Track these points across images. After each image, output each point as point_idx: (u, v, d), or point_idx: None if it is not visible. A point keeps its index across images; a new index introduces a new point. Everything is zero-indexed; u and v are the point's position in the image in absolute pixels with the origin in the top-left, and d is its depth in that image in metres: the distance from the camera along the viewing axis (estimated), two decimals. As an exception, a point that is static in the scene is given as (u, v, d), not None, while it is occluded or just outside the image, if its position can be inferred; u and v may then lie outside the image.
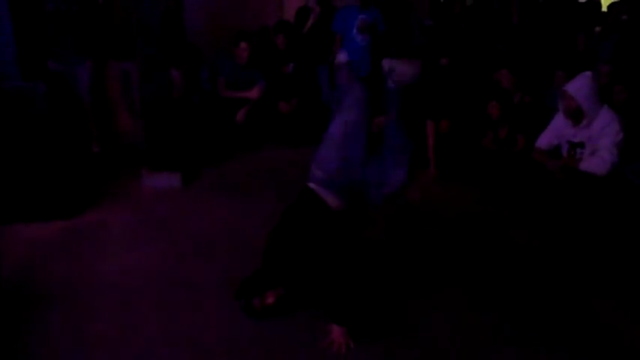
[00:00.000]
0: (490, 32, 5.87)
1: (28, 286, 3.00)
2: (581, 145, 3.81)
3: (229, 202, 4.14)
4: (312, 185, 2.73)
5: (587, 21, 6.32)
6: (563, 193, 3.80)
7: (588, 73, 3.80)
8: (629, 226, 3.59)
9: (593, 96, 3.73)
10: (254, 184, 4.52)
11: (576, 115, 3.77)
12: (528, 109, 4.85)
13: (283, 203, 2.85)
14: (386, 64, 3.05)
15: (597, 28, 6.47)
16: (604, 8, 6.86)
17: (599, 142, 3.70)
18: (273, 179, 4.62)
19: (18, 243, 3.45)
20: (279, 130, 5.53)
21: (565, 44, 5.82)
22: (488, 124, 4.78)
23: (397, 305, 2.87)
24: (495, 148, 4.73)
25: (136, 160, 4.62)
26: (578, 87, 3.74)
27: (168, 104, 4.40)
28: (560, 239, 3.61)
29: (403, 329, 2.68)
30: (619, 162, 3.70)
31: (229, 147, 5.22)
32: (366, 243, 3.11)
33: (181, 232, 3.68)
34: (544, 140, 4.06)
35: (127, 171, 4.64)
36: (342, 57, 4.14)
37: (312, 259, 2.56)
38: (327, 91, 5.93)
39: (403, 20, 5.99)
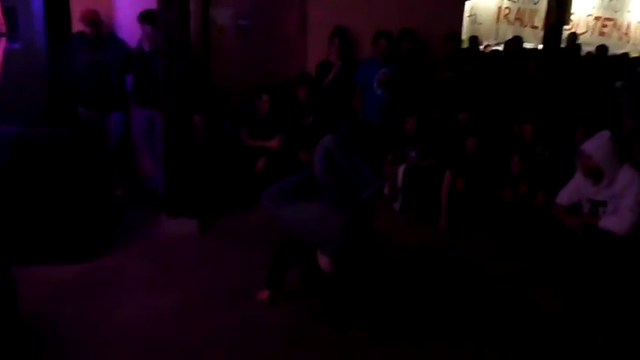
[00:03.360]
0: (508, 85, 5.90)
1: (44, 328, 3.02)
2: (604, 203, 3.75)
3: (245, 251, 4.15)
4: None
5: (610, 75, 6.33)
6: (582, 251, 3.73)
7: (606, 133, 3.78)
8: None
9: (612, 155, 3.69)
10: (271, 233, 4.51)
11: (595, 174, 3.73)
12: (548, 163, 4.82)
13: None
14: None
15: (618, 83, 6.48)
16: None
17: (621, 202, 3.65)
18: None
19: (35, 285, 3.48)
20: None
21: (586, 98, 5.81)
22: (508, 179, 4.76)
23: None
24: (515, 201, 4.68)
25: (156, 205, 4.68)
26: (596, 147, 3.71)
27: (190, 151, 4.49)
28: (580, 298, 3.52)
29: None
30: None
31: (249, 195, 5.25)
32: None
33: (197, 279, 3.68)
34: (564, 197, 4.01)
35: (146, 215, 4.70)
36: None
37: None
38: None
39: (424, 74, 6.07)
